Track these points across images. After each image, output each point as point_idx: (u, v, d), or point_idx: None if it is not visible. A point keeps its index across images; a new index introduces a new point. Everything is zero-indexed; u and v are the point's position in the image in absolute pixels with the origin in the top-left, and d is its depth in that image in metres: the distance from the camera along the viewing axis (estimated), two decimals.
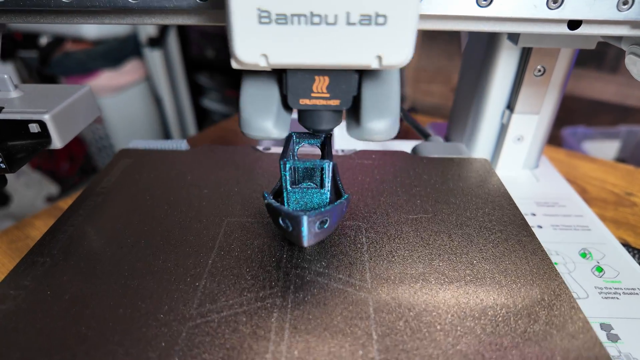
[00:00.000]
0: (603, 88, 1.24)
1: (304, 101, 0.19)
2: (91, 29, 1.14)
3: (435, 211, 0.26)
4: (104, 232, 0.25)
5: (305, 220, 0.20)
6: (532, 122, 0.38)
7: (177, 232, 0.24)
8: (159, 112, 1.42)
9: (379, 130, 0.19)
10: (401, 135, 0.55)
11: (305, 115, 0.21)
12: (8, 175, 0.25)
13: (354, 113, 0.20)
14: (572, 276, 0.29)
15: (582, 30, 0.23)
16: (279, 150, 0.33)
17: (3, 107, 0.24)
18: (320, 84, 0.19)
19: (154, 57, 1.28)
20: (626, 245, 0.34)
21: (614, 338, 0.24)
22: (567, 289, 0.21)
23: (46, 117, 0.24)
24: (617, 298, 0.27)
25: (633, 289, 0.28)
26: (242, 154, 0.33)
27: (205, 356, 0.17)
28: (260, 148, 0.34)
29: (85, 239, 0.24)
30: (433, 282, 0.21)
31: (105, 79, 1.21)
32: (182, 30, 1.32)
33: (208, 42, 1.33)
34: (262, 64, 0.17)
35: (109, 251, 0.23)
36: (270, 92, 0.20)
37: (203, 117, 1.50)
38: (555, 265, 0.22)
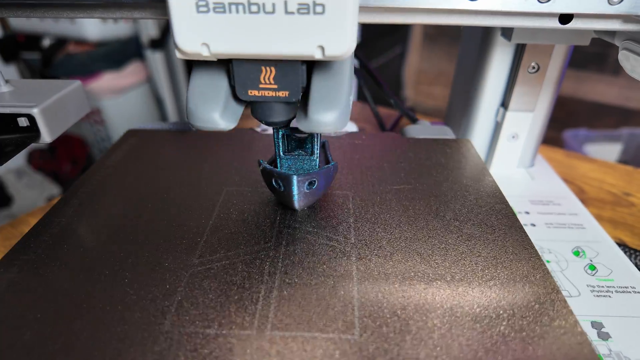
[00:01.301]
0: (605, 91, 1.24)
1: (253, 92, 0.19)
2: (93, 31, 1.15)
3: (416, 183, 0.29)
4: (112, 200, 0.27)
5: (295, 179, 0.23)
6: (526, 120, 0.37)
7: (181, 199, 0.27)
8: (160, 113, 1.42)
9: (326, 122, 0.19)
10: (403, 124, 0.55)
11: (256, 108, 0.21)
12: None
13: (304, 104, 0.20)
14: (564, 274, 0.28)
15: (573, 24, 0.23)
16: None
17: None
18: (268, 75, 0.19)
19: (156, 58, 1.28)
20: (623, 245, 0.34)
21: (604, 336, 0.24)
22: (550, 275, 0.21)
23: (35, 111, 0.24)
24: (609, 296, 0.27)
25: (625, 287, 0.27)
26: (241, 135, 0.35)
27: (205, 294, 0.20)
28: (258, 130, 0.36)
29: (95, 204, 0.27)
30: (410, 239, 0.24)
31: (107, 80, 1.21)
32: None
33: None
34: (205, 53, 0.17)
35: (119, 214, 0.26)
36: (219, 83, 0.20)
37: None
38: (525, 232, 0.24)
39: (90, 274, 0.21)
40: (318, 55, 0.17)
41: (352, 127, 0.43)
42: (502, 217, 0.25)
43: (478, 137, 0.40)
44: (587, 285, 0.27)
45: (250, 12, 0.16)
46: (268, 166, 0.24)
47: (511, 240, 0.23)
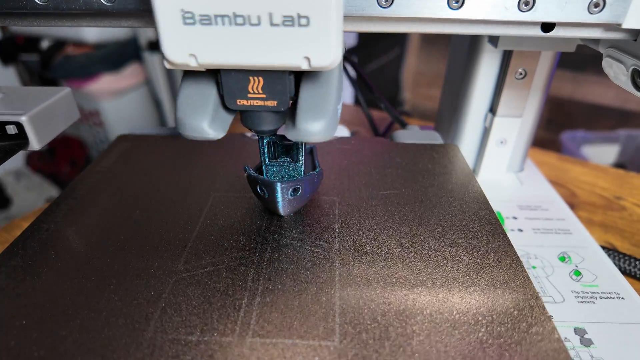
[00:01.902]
0: (602, 92, 1.24)
1: (242, 102, 0.20)
2: (92, 33, 1.15)
3: (403, 188, 0.29)
4: (101, 206, 0.27)
5: (279, 187, 0.23)
6: (514, 125, 0.38)
7: (168, 205, 0.27)
8: (158, 115, 1.42)
9: (313, 132, 0.19)
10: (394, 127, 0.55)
11: (245, 117, 0.21)
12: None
13: (292, 113, 0.20)
14: (549, 280, 0.29)
15: (555, 32, 0.23)
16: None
17: None
18: (256, 85, 0.19)
19: (154, 60, 1.28)
20: (613, 249, 0.34)
21: (587, 342, 0.24)
22: (531, 282, 0.21)
23: (23, 119, 0.24)
24: (593, 302, 0.27)
25: (609, 293, 0.27)
26: (231, 140, 0.35)
27: (188, 301, 0.20)
28: (248, 135, 0.36)
29: (85, 209, 0.27)
30: (394, 245, 0.24)
31: (105, 82, 1.22)
32: None
33: None
34: (193, 64, 0.18)
35: (107, 221, 0.26)
36: (208, 92, 0.20)
37: None
38: (508, 239, 0.25)
39: (77, 280, 0.21)
40: (304, 66, 0.17)
41: (343, 132, 0.43)
42: (485, 222, 0.26)
43: (467, 142, 0.41)
44: (572, 291, 0.28)
45: (236, 24, 0.16)
46: (253, 173, 0.25)
47: (493, 246, 0.24)
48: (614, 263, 0.31)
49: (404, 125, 0.41)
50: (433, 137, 0.36)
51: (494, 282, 0.21)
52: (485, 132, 0.39)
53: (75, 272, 0.22)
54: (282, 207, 0.24)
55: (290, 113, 0.21)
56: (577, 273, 0.29)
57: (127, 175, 0.31)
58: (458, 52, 0.39)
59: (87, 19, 0.23)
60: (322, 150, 0.34)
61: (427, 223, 0.26)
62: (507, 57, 0.35)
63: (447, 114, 0.43)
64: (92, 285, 0.21)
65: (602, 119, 1.25)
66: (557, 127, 1.10)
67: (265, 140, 0.24)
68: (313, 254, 0.23)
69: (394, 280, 0.21)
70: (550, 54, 0.35)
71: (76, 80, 1.19)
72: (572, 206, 0.41)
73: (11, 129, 0.24)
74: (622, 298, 0.27)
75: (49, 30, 1.18)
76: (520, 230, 0.33)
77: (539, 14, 0.22)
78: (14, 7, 0.21)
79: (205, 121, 0.20)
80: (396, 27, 0.23)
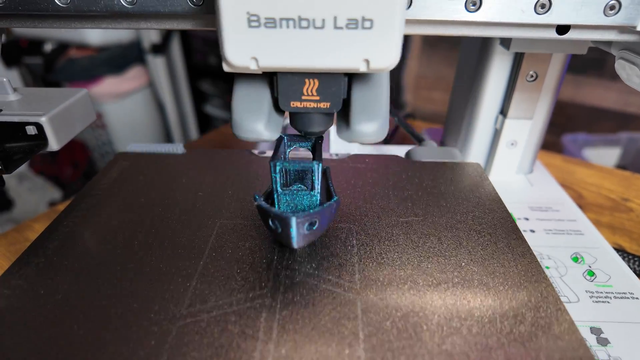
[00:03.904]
0: (604, 95, 1.24)
1: (295, 104, 0.20)
2: (95, 36, 1.15)
3: (425, 214, 0.27)
4: (98, 233, 0.25)
5: (294, 221, 0.20)
6: (525, 127, 0.38)
7: (170, 234, 0.25)
8: (161, 118, 1.43)
9: (368, 133, 0.19)
10: (397, 140, 0.56)
11: (296, 118, 0.21)
12: (10, 180, 0.25)
13: (344, 115, 0.21)
14: (563, 280, 0.29)
15: (570, 35, 0.23)
16: None
17: (1, 110, 0.25)
18: (311, 87, 0.19)
19: (157, 63, 1.29)
20: (621, 250, 0.34)
21: (603, 342, 0.24)
22: (554, 290, 0.21)
23: (43, 120, 0.24)
24: (608, 302, 0.27)
25: (624, 293, 0.28)
26: (237, 158, 0.33)
27: (194, 354, 0.18)
28: (255, 152, 0.34)
29: (80, 239, 0.25)
30: (421, 284, 0.21)
31: (108, 85, 1.22)
32: (185, 37, 1.34)
33: (211, 48, 1.34)
34: (253, 67, 0.18)
35: (102, 252, 0.23)
36: (262, 94, 0.21)
37: (205, 123, 1.51)
38: (543, 268, 0.23)
39: (68, 332, 0.19)
40: (363, 68, 0.17)
41: (354, 148, 0.42)
42: (518, 256, 0.23)
43: (477, 144, 0.41)
44: (586, 291, 0.28)
45: (301, 27, 0.16)
46: (264, 204, 0.22)
47: (535, 294, 0.21)
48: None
49: (420, 141, 0.39)
50: (452, 155, 0.34)
51: (512, 282, 0.21)
52: (496, 134, 0.40)
53: (66, 325, 0.19)
54: (297, 242, 0.21)
55: (341, 115, 0.21)
56: (591, 273, 0.29)
57: (126, 199, 0.28)
58: (469, 54, 0.40)
59: (108, 21, 0.24)
60: (334, 170, 0.32)
61: (455, 257, 0.23)
62: (518, 59, 0.35)
63: (458, 116, 0.43)
64: (84, 338, 0.19)
65: (603, 121, 1.25)
66: (558, 130, 1.11)
67: (277, 167, 0.22)
68: (332, 295, 0.21)
69: (424, 328, 0.19)
70: (561, 57, 0.35)
71: (79, 83, 1.20)
72: (579, 208, 0.42)
73: (31, 130, 0.25)
74: (637, 298, 0.27)
75: (52, 33, 1.19)
76: (532, 231, 0.34)
77: (555, 16, 0.22)
78: (35, 9, 0.22)
79: (262, 123, 0.20)
80: (414, 29, 0.23)
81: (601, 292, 0.28)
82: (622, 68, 0.26)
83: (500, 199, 0.28)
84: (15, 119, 0.24)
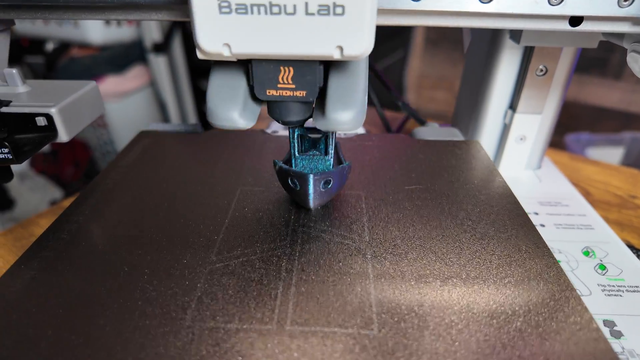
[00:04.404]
0: (607, 94, 1.24)
1: (271, 92, 0.20)
2: (97, 35, 1.15)
3: (428, 183, 0.29)
4: (128, 199, 0.27)
5: (311, 178, 0.23)
6: (534, 122, 0.38)
7: (195, 199, 0.27)
8: (163, 117, 1.42)
9: (343, 121, 0.19)
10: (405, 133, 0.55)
11: (273, 107, 0.21)
12: (13, 180, 0.25)
13: (320, 104, 0.21)
14: (575, 274, 0.29)
15: (583, 27, 0.23)
16: (285, 133, 0.37)
17: (11, 101, 0.24)
18: (286, 75, 0.19)
19: (159, 62, 1.29)
20: (630, 246, 0.34)
21: (617, 334, 0.24)
22: (564, 273, 0.21)
23: (53, 111, 0.24)
24: (620, 295, 0.27)
25: (636, 286, 0.27)
26: (252, 136, 0.36)
27: (224, 290, 0.20)
28: (268, 131, 0.37)
29: (112, 203, 0.27)
30: (424, 238, 0.24)
31: (110, 84, 1.22)
32: (186, 36, 1.34)
33: None
34: (226, 54, 0.18)
35: (135, 214, 0.26)
36: (238, 82, 0.21)
37: (207, 122, 1.51)
38: (528, 217, 0.25)
39: (110, 272, 0.21)
40: (337, 56, 0.17)
41: (360, 129, 0.43)
42: (514, 216, 0.26)
43: (486, 139, 0.41)
44: (598, 285, 0.28)
45: (272, 13, 0.17)
46: (284, 166, 0.25)
47: (524, 238, 0.24)
48: None
49: (422, 123, 0.41)
50: (453, 134, 0.36)
51: (528, 274, 0.21)
52: (505, 129, 0.39)
53: (106, 263, 0.22)
54: (313, 200, 0.24)
55: (318, 103, 0.21)
56: (602, 267, 0.29)
57: (151, 171, 0.31)
58: (478, 48, 0.39)
59: (117, 12, 0.23)
60: (343, 147, 0.34)
61: (455, 217, 0.26)
62: (528, 53, 0.35)
63: (466, 111, 0.43)
64: (125, 275, 0.21)
65: (607, 121, 1.25)
66: (561, 129, 1.10)
67: (296, 133, 0.25)
68: (344, 246, 0.23)
69: (427, 272, 0.21)
70: (571, 51, 0.35)
71: None
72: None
73: (41, 121, 0.24)
74: None
75: (54, 32, 1.19)
76: (542, 226, 0.34)
77: (569, 7, 0.22)
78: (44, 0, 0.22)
79: (236, 111, 0.20)
80: (426, 20, 0.23)
81: (613, 286, 0.28)
82: (635, 61, 0.25)
83: (496, 170, 0.31)
84: (25, 110, 0.24)
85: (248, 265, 0.22)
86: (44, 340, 0.18)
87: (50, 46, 1.22)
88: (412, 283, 0.21)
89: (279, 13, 0.17)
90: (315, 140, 0.26)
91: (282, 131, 0.37)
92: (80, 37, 1.17)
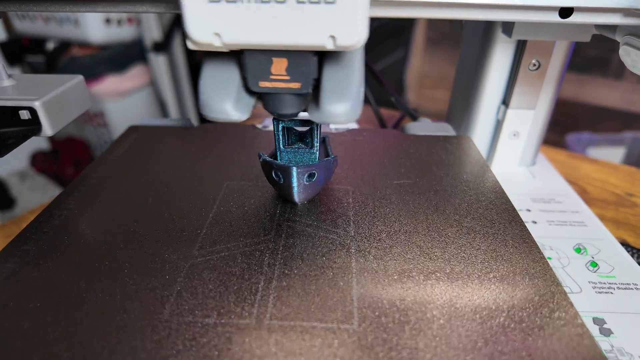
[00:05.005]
0: (608, 94, 1.24)
1: (264, 84, 0.19)
2: (97, 34, 1.15)
3: (417, 178, 0.28)
4: (114, 194, 0.27)
5: (294, 171, 0.23)
6: (527, 118, 0.37)
7: (181, 193, 0.27)
8: (163, 116, 1.43)
9: (338, 113, 0.19)
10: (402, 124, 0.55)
11: (267, 99, 0.21)
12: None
13: (315, 96, 0.20)
14: (565, 270, 0.28)
15: (574, 18, 0.23)
16: None
17: None
18: (279, 66, 0.19)
19: (159, 62, 1.29)
20: (625, 245, 0.33)
21: (606, 332, 0.24)
22: (551, 268, 0.21)
23: (36, 104, 0.24)
24: (611, 293, 0.26)
25: (627, 284, 0.27)
26: (242, 131, 0.35)
27: (204, 284, 0.20)
28: (259, 126, 0.36)
29: (97, 196, 0.27)
30: (410, 232, 0.24)
31: (110, 83, 1.22)
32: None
33: None
34: (216, 44, 0.17)
35: (120, 207, 0.26)
36: (231, 74, 0.20)
37: (207, 122, 1.51)
38: (520, 219, 0.25)
39: (91, 265, 0.21)
40: (329, 46, 0.17)
41: (352, 124, 0.43)
42: (502, 211, 0.25)
43: (479, 135, 0.40)
44: (589, 282, 0.27)
45: (262, 2, 0.16)
46: (268, 158, 0.24)
47: (511, 234, 0.23)
48: None
49: (415, 119, 0.41)
50: (445, 129, 0.36)
51: (514, 269, 0.21)
52: (498, 125, 0.39)
53: (88, 256, 0.22)
54: (297, 193, 0.24)
55: (313, 95, 0.21)
56: (594, 264, 0.29)
57: (139, 164, 0.30)
58: (470, 43, 0.39)
59: (104, 4, 0.23)
60: (334, 142, 0.33)
61: (443, 211, 0.25)
62: (520, 47, 0.35)
63: (459, 107, 0.43)
64: (106, 269, 0.21)
65: (608, 120, 1.24)
66: (562, 129, 1.10)
67: (280, 126, 0.24)
68: (328, 240, 0.23)
69: (411, 266, 0.21)
70: (565, 45, 0.34)
71: None
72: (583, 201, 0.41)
73: (24, 114, 0.24)
74: None
75: (55, 32, 1.19)
76: (534, 222, 0.33)
77: None
78: None
79: (229, 103, 0.20)
80: (416, 12, 0.23)
81: (604, 283, 0.27)
82: (627, 54, 0.25)
83: (487, 166, 0.30)
84: (9, 103, 0.24)
85: (230, 259, 0.22)
86: (20, 333, 0.17)
87: (50, 45, 1.22)
88: (395, 277, 0.20)
89: (269, 1, 0.16)
90: (302, 134, 0.25)
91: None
92: (81, 37, 1.17)
